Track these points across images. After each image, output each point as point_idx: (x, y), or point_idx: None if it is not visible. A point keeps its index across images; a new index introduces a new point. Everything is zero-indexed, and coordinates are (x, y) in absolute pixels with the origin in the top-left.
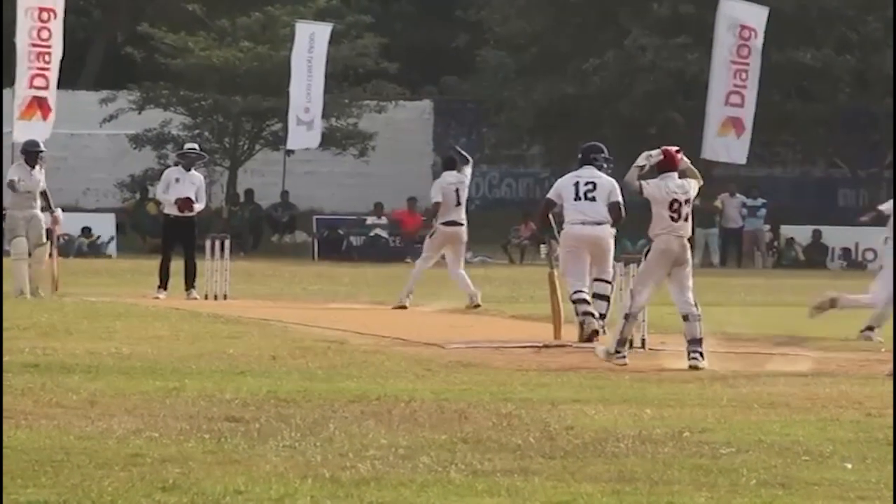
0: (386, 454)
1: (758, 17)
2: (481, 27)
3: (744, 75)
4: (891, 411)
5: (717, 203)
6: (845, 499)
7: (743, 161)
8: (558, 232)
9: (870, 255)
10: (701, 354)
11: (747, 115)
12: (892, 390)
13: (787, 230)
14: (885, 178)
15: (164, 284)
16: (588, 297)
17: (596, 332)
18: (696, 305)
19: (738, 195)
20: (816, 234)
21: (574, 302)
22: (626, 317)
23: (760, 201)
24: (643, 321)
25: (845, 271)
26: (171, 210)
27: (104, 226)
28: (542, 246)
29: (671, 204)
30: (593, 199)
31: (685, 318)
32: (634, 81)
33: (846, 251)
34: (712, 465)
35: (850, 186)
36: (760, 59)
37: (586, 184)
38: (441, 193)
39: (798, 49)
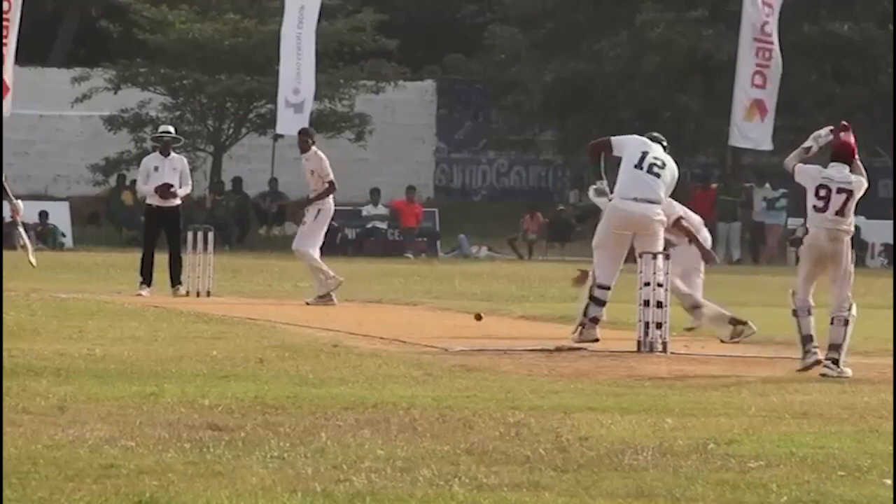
0: (383, 466)
1: None
2: (489, 0)
3: (766, 54)
4: None
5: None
6: None
7: (769, 147)
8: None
9: None
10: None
11: (770, 96)
12: (892, 394)
13: None
14: None
15: (147, 280)
16: (606, 300)
17: (596, 341)
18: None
19: (767, 185)
20: (855, 229)
21: (592, 298)
22: (795, 312)
23: (780, 191)
24: (665, 322)
25: (886, 269)
26: (153, 200)
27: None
28: (592, 188)
29: (817, 190)
30: (657, 175)
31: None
32: (643, 60)
33: (888, 247)
34: (739, 480)
35: (892, 176)
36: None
37: (655, 158)
38: None
39: (834, 22)
